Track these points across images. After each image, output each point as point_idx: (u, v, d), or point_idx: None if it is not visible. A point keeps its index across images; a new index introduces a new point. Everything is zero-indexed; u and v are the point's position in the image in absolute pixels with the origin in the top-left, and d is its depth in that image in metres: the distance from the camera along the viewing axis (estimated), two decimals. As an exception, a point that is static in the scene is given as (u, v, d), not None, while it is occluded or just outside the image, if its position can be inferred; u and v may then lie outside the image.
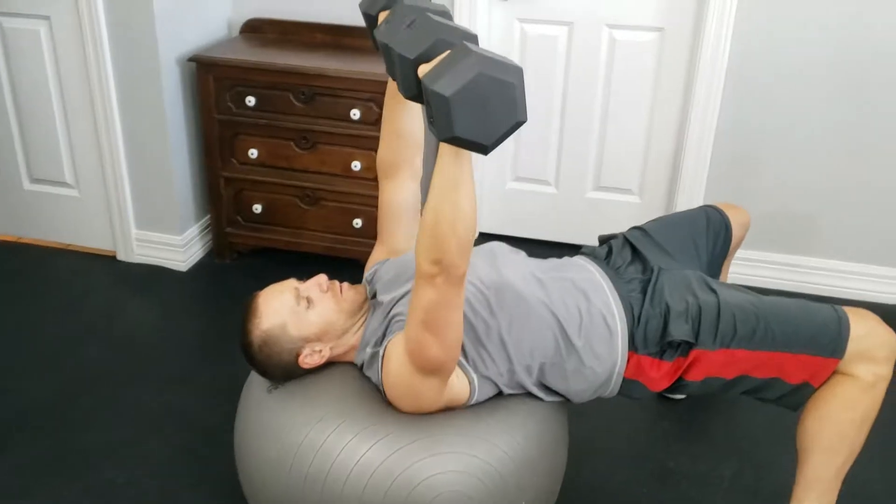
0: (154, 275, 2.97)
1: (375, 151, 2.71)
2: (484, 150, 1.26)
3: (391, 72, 1.51)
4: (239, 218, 2.98)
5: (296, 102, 2.75)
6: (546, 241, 3.18)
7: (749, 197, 2.82)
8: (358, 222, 2.87)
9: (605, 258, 1.89)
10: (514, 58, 2.96)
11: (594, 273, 1.79)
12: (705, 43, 2.69)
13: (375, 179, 2.76)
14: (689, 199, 2.91)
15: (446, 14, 1.47)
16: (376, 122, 2.70)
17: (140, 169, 2.90)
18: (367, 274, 1.88)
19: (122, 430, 2.22)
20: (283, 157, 2.85)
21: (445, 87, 1.18)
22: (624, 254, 1.90)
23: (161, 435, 2.21)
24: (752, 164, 2.84)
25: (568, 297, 1.70)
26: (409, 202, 1.88)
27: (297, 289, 1.66)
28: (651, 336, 1.70)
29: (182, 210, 2.96)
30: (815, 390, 1.70)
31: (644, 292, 1.76)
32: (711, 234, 2.03)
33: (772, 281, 2.93)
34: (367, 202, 2.83)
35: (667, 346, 1.69)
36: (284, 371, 1.66)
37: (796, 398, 1.72)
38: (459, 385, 1.60)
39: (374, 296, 1.77)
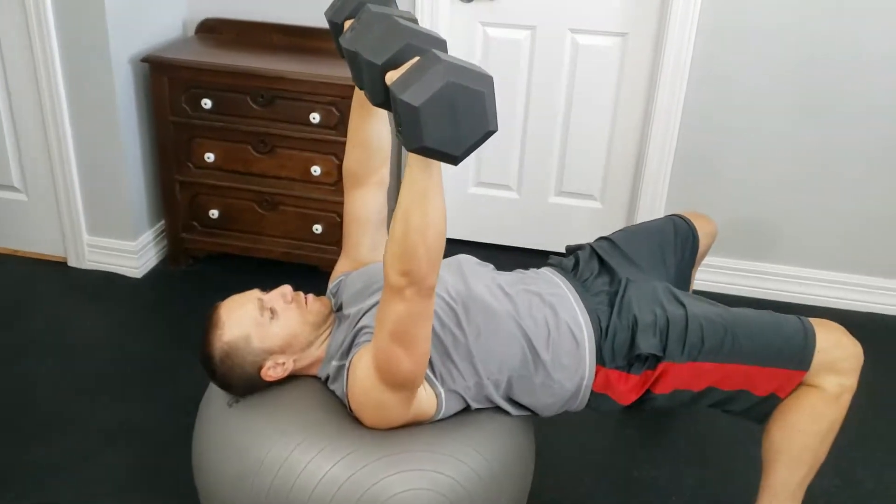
0: (107, 282, 2.88)
1: (335, 156, 2.71)
2: (454, 160, 1.23)
3: (358, 80, 1.48)
4: (195, 223, 2.91)
5: (254, 105, 2.69)
6: (508, 247, 3.17)
7: (711, 203, 2.83)
8: (318, 228, 2.81)
9: (573, 270, 1.87)
10: (477, 62, 2.93)
11: (561, 286, 1.77)
12: (668, 49, 2.70)
13: (335, 184, 2.73)
14: (652, 204, 2.92)
15: (413, 20, 1.44)
16: (336, 127, 2.65)
17: (91, 172, 2.81)
18: (331, 286, 1.84)
19: (74, 444, 2.14)
20: (241, 161, 2.78)
21: (414, 97, 1.15)
22: (591, 265, 1.88)
23: (115, 449, 2.13)
24: (714, 170, 2.86)
25: (536, 310, 1.68)
26: (374, 212, 1.84)
27: (260, 300, 1.61)
28: (619, 349, 1.68)
29: (135, 215, 2.88)
30: (781, 401, 1.70)
31: (612, 305, 1.74)
32: (679, 244, 2.02)
33: (733, 287, 2.95)
34: (327, 207, 2.78)
35: (635, 360, 1.68)
36: (246, 384, 1.61)
37: (762, 410, 1.72)
38: (426, 399, 1.56)
39: (339, 308, 1.72)
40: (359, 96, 1.74)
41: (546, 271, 1.85)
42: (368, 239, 1.85)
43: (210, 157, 2.77)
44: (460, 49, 2.91)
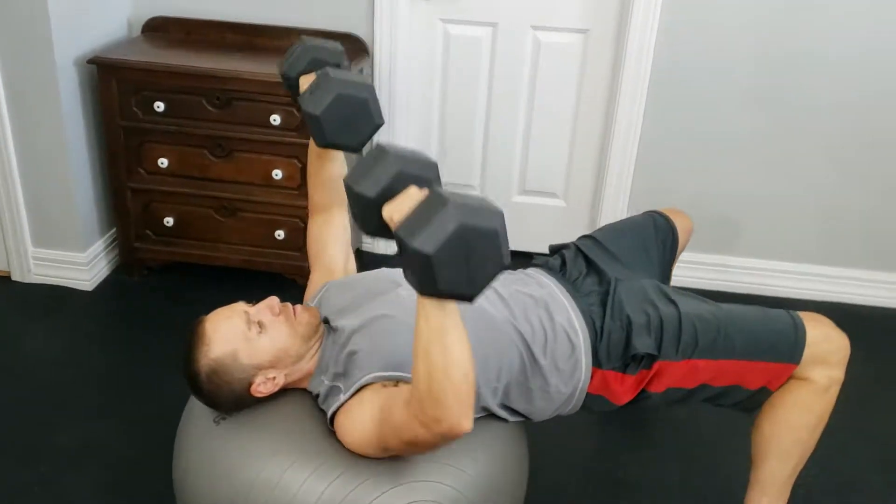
0: (56, 296, 2.73)
1: (298, 159, 2.63)
2: (469, 300, 1.18)
3: (318, 142, 1.59)
4: (148, 232, 2.78)
5: (209, 107, 2.59)
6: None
7: (674, 198, 2.84)
8: (280, 234, 2.73)
9: (560, 270, 1.84)
10: (437, 60, 2.89)
11: (552, 287, 1.74)
12: (629, 45, 2.69)
13: (298, 188, 2.65)
14: (615, 201, 2.92)
15: (370, 88, 1.57)
16: (298, 129, 2.57)
17: (36, 181, 2.66)
18: (314, 297, 1.77)
19: (35, 468, 2.02)
20: (197, 166, 2.67)
21: (426, 244, 1.08)
22: (578, 265, 1.86)
23: (79, 472, 2.02)
24: (677, 166, 2.87)
25: (531, 314, 1.64)
26: (340, 229, 1.84)
27: (247, 312, 1.53)
28: (614, 350, 1.66)
29: (85, 225, 2.74)
30: (771, 394, 1.71)
31: (604, 305, 1.72)
32: (660, 241, 2.02)
33: (699, 281, 2.97)
34: (290, 212, 2.69)
35: (630, 360, 1.65)
36: (235, 401, 1.53)
37: (753, 402, 1.72)
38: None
39: (325, 320, 1.66)
40: (314, 147, 1.76)
41: (534, 272, 1.82)
42: (341, 253, 1.84)
43: (164, 162, 2.66)
44: (421, 47, 2.86)
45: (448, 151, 3.02)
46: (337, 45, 1.73)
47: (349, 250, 1.85)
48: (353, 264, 1.85)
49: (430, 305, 1.19)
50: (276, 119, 2.56)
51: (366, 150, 1.46)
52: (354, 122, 1.57)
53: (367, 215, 1.25)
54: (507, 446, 1.63)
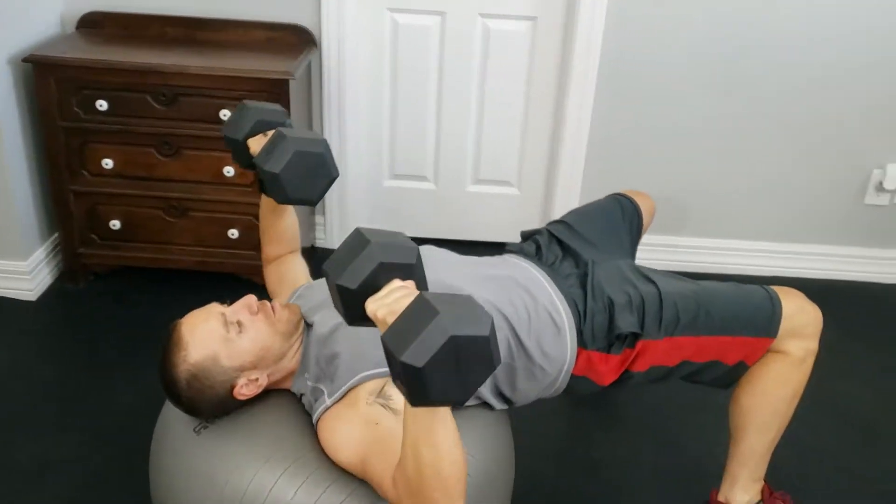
0: (-4, 307, 2.60)
1: (250, 155, 2.55)
2: (460, 403, 1.16)
3: (278, 200, 1.61)
4: (94, 236, 2.67)
5: (155, 104, 2.49)
6: (428, 239, 3.10)
7: (627, 182, 2.87)
8: (233, 233, 2.65)
9: (536, 255, 1.84)
10: (386, 49, 2.85)
11: (531, 270, 1.73)
12: (578, 32, 2.70)
13: (251, 185, 2.58)
14: (568, 188, 2.93)
15: (324, 143, 1.61)
16: (250, 123, 2.49)
17: (-30, 187, 2.52)
18: (291, 299, 1.72)
19: (-7, 492, 1.91)
20: (143, 165, 2.57)
21: (416, 358, 1.05)
22: (553, 249, 1.86)
23: (41, 490, 1.92)
24: (628, 151, 2.90)
25: (514, 295, 1.63)
26: (297, 263, 1.87)
27: (223, 314, 1.48)
28: (598, 330, 1.66)
29: (25, 231, 2.61)
30: (748, 368, 1.74)
31: (583, 287, 1.72)
32: (627, 223, 2.03)
33: (653, 263, 3.00)
34: (243, 210, 2.62)
35: (614, 340, 1.66)
36: (217, 406, 1.48)
37: (730, 377, 1.75)
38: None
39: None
40: (266, 202, 1.77)
41: (511, 258, 1.81)
42: (302, 275, 1.85)
43: (108, 163, 2.55)
44: (368, 36, 2.81)
45: (399, 144, 2.98)
46: (277, 107, 1.77)
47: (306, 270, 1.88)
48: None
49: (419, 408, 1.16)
50: (225, 114, 2.48)
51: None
52: (313, 177, 1.60)
53: (349, 306, 1.23)
54: (496, 435, 1.63)
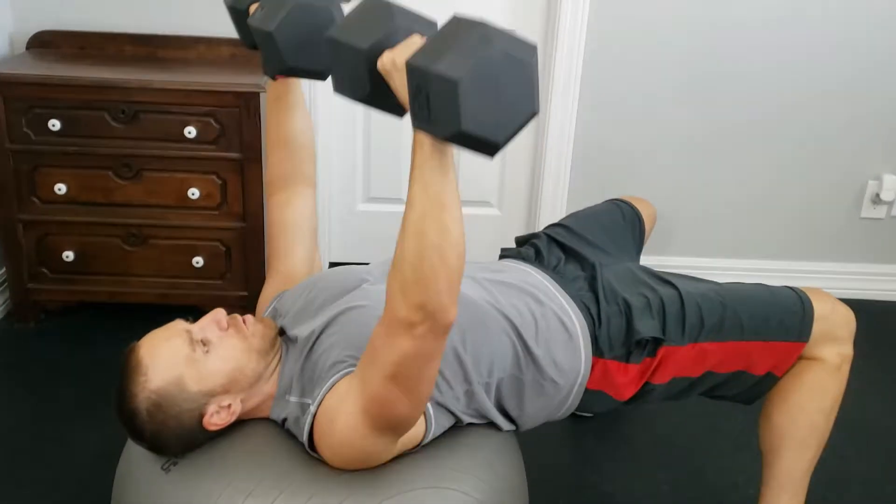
0: (-64, 350, 2.36)
1: (217, 175, 2.37)
2: (493, 149, 0.98)
3: (283, 68, 1.34)
4: (44, 270, 2.44)
5: (113, 123, 2.30)
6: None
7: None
8: (198, 261, 2.44)
9: (536, 259, 1.67)
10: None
11: (534, 274, 1.56)
12: (559, 47, 2.59)
13: (217, 208, 2.39)
14: (552, 207, 2.79)
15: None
16: (217, 141, 2.32)
17: None
18: (265, 311, 1.53)
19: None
20: (100, 190, 2.37)
21: (452, 68, 0.89)
22: (554, 252, 1.69)
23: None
24: (613, 168, 2.78)
25: (517, 300, 1.46)
26: (305, 218, 1.60)
27: (188, 331, 1.29)
28: (615, 337, 1.49)
29: (-32, 266, 2.38)
30: (777, 381, 1.57)
31: (594, 290, 1.55)
32: (629, 228, 1.88)
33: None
34: (209, 236, 2.42)
35: (633, 347, 1.48)
36: (185, 439, 1.27)
37: (756, 392, 1.59)
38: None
39: (281, 332, 1.42)
40: (273, 89, 1.53)
41: (509, 262, 1.64)
42: (300, 249, 1.60)
43: (61, 188, 2.34)
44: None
45: (374, 165, 2.82)
46: None
47: (315, 250, 1.63)
48: (319, 265, 1.63)
49: (428, 166, 1.01)
50: (190, 132, 2.29)
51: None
52: (317, 39, 1.27)
53: (354, 75, 1.04)
54: (506, 460, 1.44)
